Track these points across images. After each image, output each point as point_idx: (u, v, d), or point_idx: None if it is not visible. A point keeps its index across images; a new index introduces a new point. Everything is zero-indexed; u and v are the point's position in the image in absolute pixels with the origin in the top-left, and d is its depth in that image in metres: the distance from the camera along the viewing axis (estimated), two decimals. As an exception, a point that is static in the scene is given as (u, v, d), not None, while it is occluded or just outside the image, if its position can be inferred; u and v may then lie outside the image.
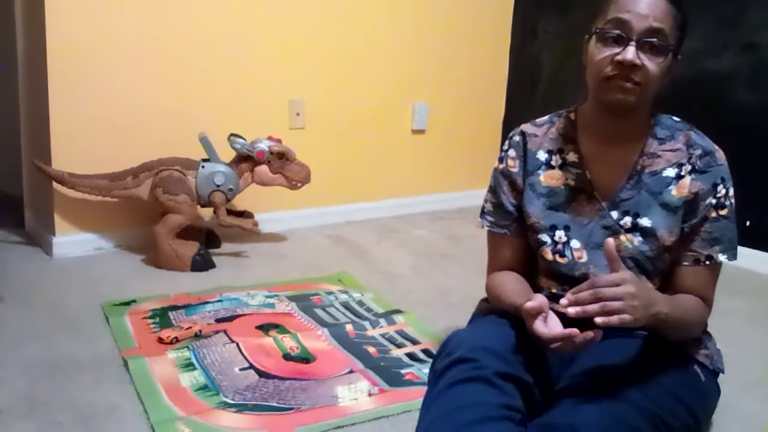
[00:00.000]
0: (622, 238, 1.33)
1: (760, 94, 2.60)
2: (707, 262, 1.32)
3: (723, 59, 2.67)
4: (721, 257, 1.32)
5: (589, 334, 1.10)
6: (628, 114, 1.30)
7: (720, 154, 1.34)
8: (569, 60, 3.21)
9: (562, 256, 1.36)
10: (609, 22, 1.25)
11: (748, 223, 2.58)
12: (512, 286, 1.38)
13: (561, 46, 3.27)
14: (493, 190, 1.48)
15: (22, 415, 1.49)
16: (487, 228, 1.49)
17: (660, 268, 1.34)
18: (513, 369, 1.16)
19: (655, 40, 1.22)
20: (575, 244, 1.36)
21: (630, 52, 1.22)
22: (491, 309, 1.45)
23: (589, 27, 1.31)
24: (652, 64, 1.23)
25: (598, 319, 1.06)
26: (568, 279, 1.37)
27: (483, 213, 1.51)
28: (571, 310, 1.08)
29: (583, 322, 1.11)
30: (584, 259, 1.35)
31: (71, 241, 2.49)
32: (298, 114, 2.90)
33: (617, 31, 1.23)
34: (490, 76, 3.44)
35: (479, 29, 3.34)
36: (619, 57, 1.23)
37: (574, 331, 1.11)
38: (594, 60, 1.27)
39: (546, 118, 1.46)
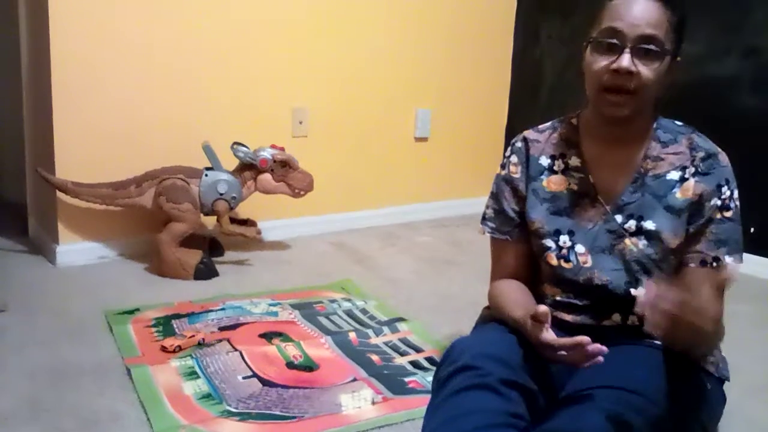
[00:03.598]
0: (627, 241, 1.33)
1: (763, 99, 2.59)
2: (714, 264, 1.31)
3: (726, 64, 2.67)
4: (728, 259, 1.31)
5: (598, 346, 1.10)
6: (628, 121, 1.31)
7: (723, 156, 1.34)
8: (572, 65, 3.21)
9: (567, 260, 1.36)
10: (603, 31, 1.25)
11: (752, 229, 2.57)
12: (514, 296, 1.37)
13: (563, 51, 3.27)
14: (495, 196, 1.48)
15: (25, 421, 1.49)
16: (489, 234, 1.49)
17: (666, 271, 1.33)
18: (517, 376, 1.16)
19: (649, 46, 1.22)
20: (580, 248, 1.35)
21: (625, 60, 1.22)
22: (494, 316, 1.45)
23: (586, 35, 1.31)
24: (647, 70, 1.23)
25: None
26: (573, 285, 1.36)
27: (484, 219, 1.51)
28: (641, 297, 1.03)
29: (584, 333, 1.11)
30: (589, 263, 1.35)
31: (75, 250, 2.50)
32: (300, 122, 2.90)
33: (611, 40, 1.23)
34: (492, 82, 3.45)
35: (481, 35, 3.34)
36: (614, 65, 1.23)
37: (585, 339, 1.11)
38: (591, 69, 1.28)
39: (548, 124, 1.46)
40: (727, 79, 2.67)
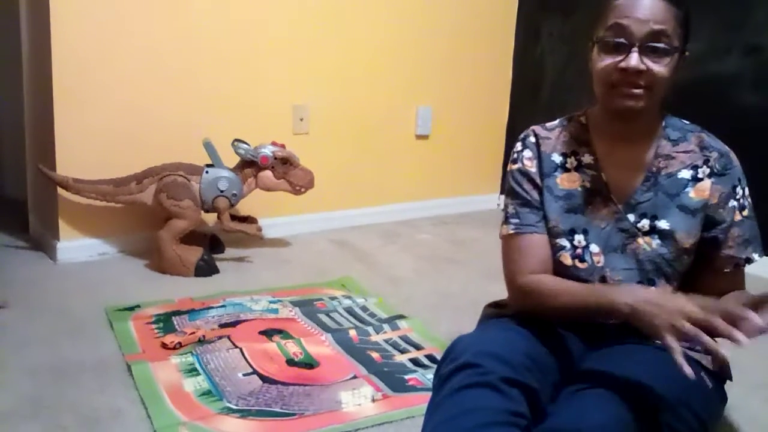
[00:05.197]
0: (640, 240, 1.32)
1: (764, 97, 2.59)
2: (746, 265, 1.36)
3: (727, 62, 2.67)
4: (756, 257, 1.36)
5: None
6: (638, 117, 1.30)
7: (733, 155, 1.35)
8: (573, 63, 3.21)
9: (582, 260, 1.34)
10: (609, 29, 1.24)
11: (758, 230, 2.56)
12: (582, 284, 1.29)
13: (565, 49, 3.27)
14: (513, 191, 1.41)
15: (26, 418, 1.49)
16: (513, 231, 1.37)
17: (679, 270, 1.33)
18: (518, 374, 1.15)
19: (658, 44, 1.21)
20: (594, 248, 1.34)
21: (633, 59, 1.21)
22: (497, 314, 1.44)
23: (590, 34, 1.30)
24: (657, 67, 1.22)
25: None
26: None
27: (507, 219, 1.40)
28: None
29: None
30: (602, 263, 1.34)
31: (75, 246, 2.50)
32: (301, 119, 2.90)
33: (619, 39, 1.23)
34: (493, 80, 3.44)
35: (483, 33, 3.34)
36: (622, 64, 1.22)
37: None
38: (598, 68, 1.26)
39: (556, 122, 1.44)
40: (728, 77, 2.67)
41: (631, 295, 1.15)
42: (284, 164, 2.55)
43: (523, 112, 3.43)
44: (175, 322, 1.99)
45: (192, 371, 1.71)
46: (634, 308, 1.12)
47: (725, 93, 2.68)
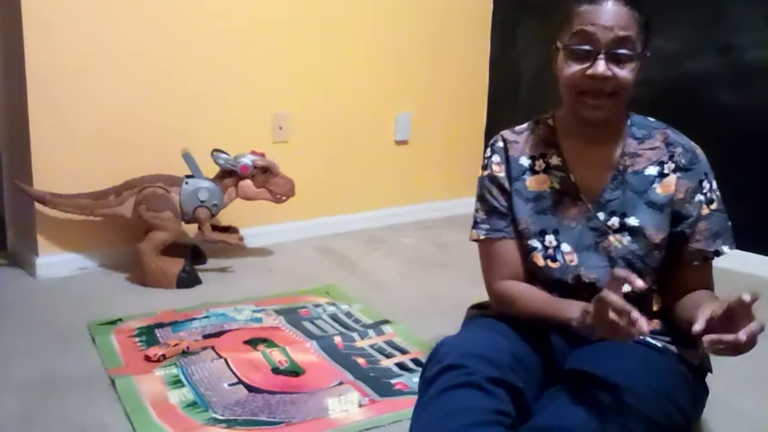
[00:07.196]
0: (611, 238, 1.33)
1: (739, 96, 2.63)
2: (714, 257, 1.36)
3: (701, 61, 2.70)
4: (726, 249, 1.36)
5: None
6: (604, 122, 1.32)
7: (699, 150, 1.37)
8: (550, 65, 3.22)
9: (554, 260, 1.36)
10: (575, 35, 1.26)
11: (729, 223, 2.59)
12: (544, 296, 1.33)
13: (541, 51, 3.28)
14: (483, 197, 1.45)
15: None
16: (484, 236, 1.42)
17: (651, 266, 1.35)
18: (503, 374, 1.16)
19: (623, 50, 1.23)
20: (566, 247, 1.36)
21: (600, 66, 1.23)
22: (481, 315, 1.45)
23: (555, 38, 1.31)
24: (623, 72, 1.24)
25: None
26: (561, 285, 1.36)
27: (476, 224, 1.45)
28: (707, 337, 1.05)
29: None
30: (575, 262, 1.35)
31: (55, 262, 2.47)
32: (280, 128, 2.89)
33: (585, 46, 1.24)
34: (471, 84, 3.46)
35: (460, 38, 3.36)
36: (589, 71, 1.24)
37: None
38: (565, 75, 1.28)
39: (524, 126, 1.47)
40: (703, 76, 2.70)
41: (577, 309, 1.19)
42: (264, 173, 2.54)
43: (501, 116, 3.45)
44: (158, 335, 1.98)
45: (177, 383, 1.70)
46: (577, 321, 1.18)
47: (700, 92, 2.71)
